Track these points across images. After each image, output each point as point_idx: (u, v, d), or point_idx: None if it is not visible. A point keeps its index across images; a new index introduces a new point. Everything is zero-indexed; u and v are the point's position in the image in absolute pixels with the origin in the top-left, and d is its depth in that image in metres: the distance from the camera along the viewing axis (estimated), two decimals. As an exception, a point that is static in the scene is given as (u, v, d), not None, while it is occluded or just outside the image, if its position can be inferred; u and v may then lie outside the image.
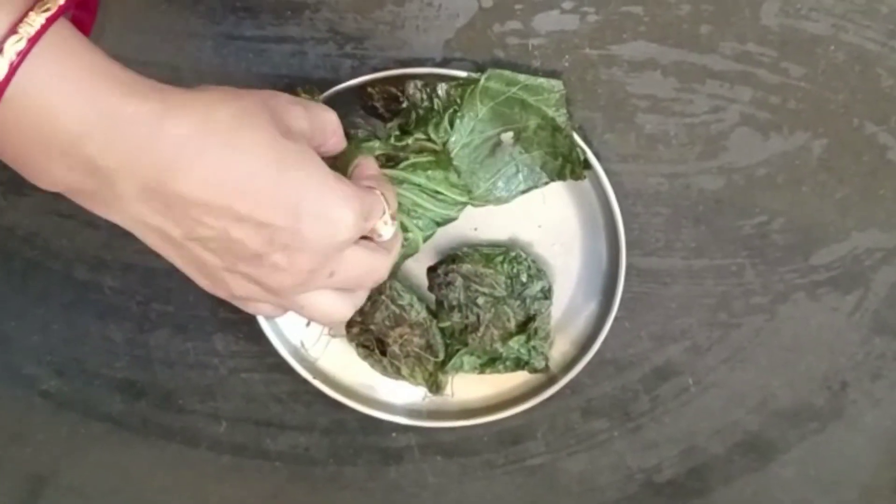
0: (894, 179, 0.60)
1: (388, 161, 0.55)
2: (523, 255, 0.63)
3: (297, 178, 0.41)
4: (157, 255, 0.43)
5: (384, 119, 0.59)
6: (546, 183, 0.59)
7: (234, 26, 0.60)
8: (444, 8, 0.59)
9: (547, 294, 0.63)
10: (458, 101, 0.56)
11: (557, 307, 0.65)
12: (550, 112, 0.57)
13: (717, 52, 0.58)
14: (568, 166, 0.59)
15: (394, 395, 0.68)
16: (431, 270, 0.63)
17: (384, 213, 0.48)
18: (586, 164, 0.59)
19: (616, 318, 0.63)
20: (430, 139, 0.56)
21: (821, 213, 0.62)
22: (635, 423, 0.68)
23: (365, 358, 0.66)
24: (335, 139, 0.50)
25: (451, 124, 0.56)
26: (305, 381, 0.66)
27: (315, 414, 0.70)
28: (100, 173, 0.39)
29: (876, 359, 0.65)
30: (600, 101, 0.60)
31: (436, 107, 0.56)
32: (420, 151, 0.56)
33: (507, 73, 0.57)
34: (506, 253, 0.62)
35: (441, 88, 0.56)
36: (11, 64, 0.36)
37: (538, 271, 0.63)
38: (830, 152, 0.60)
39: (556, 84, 0.57)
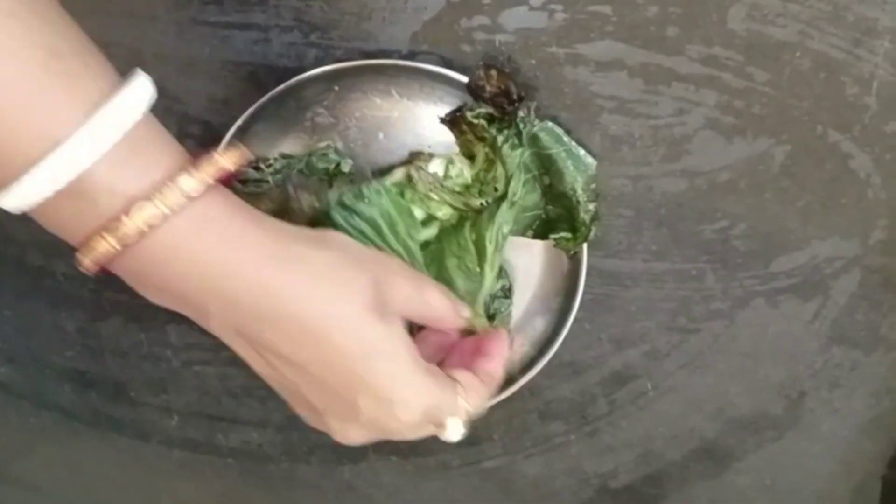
0: (856, 188, 0.61)
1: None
2: (484, 253, 0.62)
3: (373, 363, 0.43)
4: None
5: (494, 105, 0.58)
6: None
7: (197, 11, 0.59)
8: (412, 1, 0.58)
9: (507, 293, 0.63)
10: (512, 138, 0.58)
11: (517, 307, 0.64)
12: (579, 190, 0.58)
13: (684, 55, 0.58)
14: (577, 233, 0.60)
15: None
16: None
17: (455, 415, 0.47)
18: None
19: (576, 320, 0.62)
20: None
21: (782, 219, 0.62)
22: (592, 426, 0.68)
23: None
24: (445, 323, 0.52)
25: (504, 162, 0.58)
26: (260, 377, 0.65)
27: (269, 410, 0.69)
28: (196, 307, 0.42)
29: (834, 368, 0.65)
30: (566, 100, 0.60)
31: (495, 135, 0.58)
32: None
33: (558, 130, 0.58)
34: (467, 250, 0.62)
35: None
36: (142, 232, 0.38)
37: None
38: (793, 159, 0.60)
39: (591, 163, 0.59)
